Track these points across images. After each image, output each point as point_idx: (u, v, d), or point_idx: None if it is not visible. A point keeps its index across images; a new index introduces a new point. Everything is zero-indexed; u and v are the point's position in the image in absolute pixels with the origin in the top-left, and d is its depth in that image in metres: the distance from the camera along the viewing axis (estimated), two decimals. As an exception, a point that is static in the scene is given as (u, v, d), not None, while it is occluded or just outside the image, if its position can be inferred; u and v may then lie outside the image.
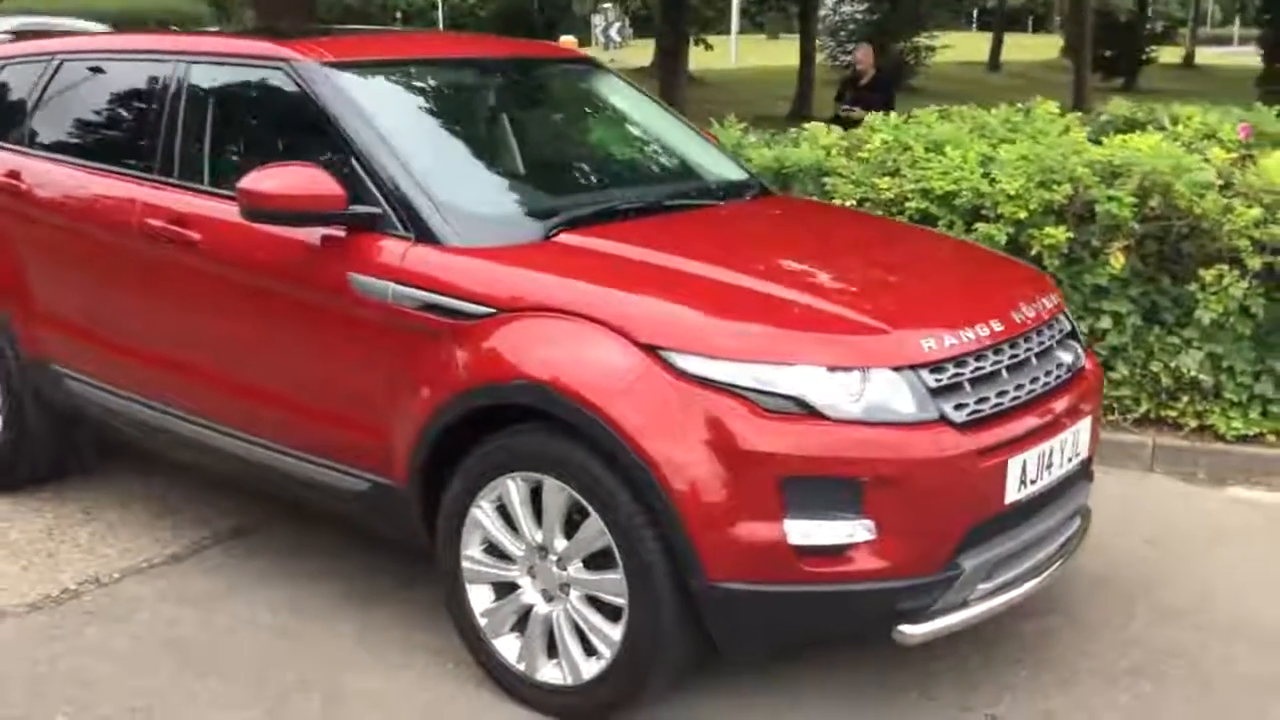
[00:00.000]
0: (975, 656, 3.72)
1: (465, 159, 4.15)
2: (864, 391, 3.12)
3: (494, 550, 3.49)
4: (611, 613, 3.29)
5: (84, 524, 4.74)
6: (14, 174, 4.68)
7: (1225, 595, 4.18)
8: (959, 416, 3.19)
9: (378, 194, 3.70)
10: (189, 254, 4.05)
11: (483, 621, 3.53)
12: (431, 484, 3.57)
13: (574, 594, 3.35)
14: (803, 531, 3.07)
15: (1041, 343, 3.59)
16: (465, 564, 3.53)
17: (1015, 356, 3.45)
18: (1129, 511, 4.88)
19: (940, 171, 5.94)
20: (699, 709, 3.47)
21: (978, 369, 3.31)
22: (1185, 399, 5.61)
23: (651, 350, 3.17)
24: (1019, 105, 7.43)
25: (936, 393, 3.19)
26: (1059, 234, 5.61)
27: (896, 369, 3.16)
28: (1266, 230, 5.36)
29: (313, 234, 3.75)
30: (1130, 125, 7.02)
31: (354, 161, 3.76)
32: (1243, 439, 5.49)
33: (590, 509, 3.23)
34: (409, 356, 3.55)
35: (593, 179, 4.42)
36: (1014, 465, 3.29)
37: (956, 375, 3.25)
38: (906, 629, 3.19)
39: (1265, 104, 7.90)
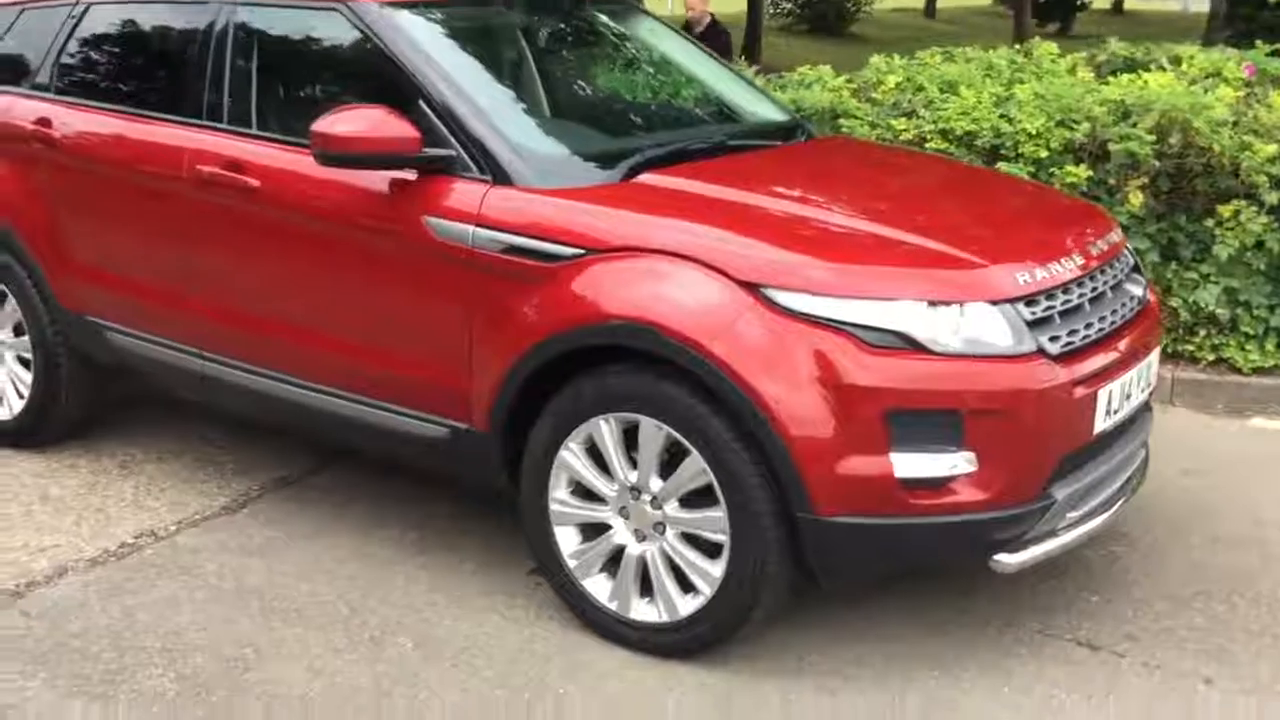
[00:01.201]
0: (1047, 585, 3.80)
1: (533, 99, 4.13)
2: (964, 325, 3.16)
3: (583, 492, 3.50)
4: (710, 550, 3.32)
5: (124, 478, 4.67)
6: (44, 121, 4.56)
7: (1271, 520, 4.29)
8: (1054, 348, 3.24)
9: (450, 136, 3.65)
10: (247, 201, 3.98)
11: (572, 563, 3.54)
12: (515, 428, 3.56)
13: (670, 533, 3.37)
14: (908, 464, 3.11)
15: (1115, 276, 3.65)
16: (553, 506, 3.53)
17: (1095, 290, 3.51)
18: (1160, 444, 4.95)
19: (959, 111, 5.98)
20: (790, 640, 3.51)
21: (1066, 302, 3.36)
22: (1203, 333, 5.73)
23: (752, 288, 3.18)
24: (1017, 47, 7.49)
25: (1032, 325, 3.23)
26: (1080, 172, 5.68)
27: (994, 303, 3.20)
28: (1282, 166, 5.46)
29: (381, 178, 3.70)
30: (1130, 65, 7.09)
31: (423, 104, 3.70)
32: (1259, 371, 5.62)
33: (691, 447, 3.24)
34: (492, 300, 3.53)
35: (657, 120, 4.40)
36: (1102, 396, 3.35)
37: (1049, 308, 3.30)
38: (1003, 558, 3.26)
39: (1232, 47, 8.05)
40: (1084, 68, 6.77)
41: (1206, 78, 6.53)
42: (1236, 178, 5.55)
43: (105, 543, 4.13)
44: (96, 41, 4.60)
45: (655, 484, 3.36)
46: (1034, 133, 5.77)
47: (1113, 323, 3.51)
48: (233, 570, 3.94)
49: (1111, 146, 5.72)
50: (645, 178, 3.66)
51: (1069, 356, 3.28)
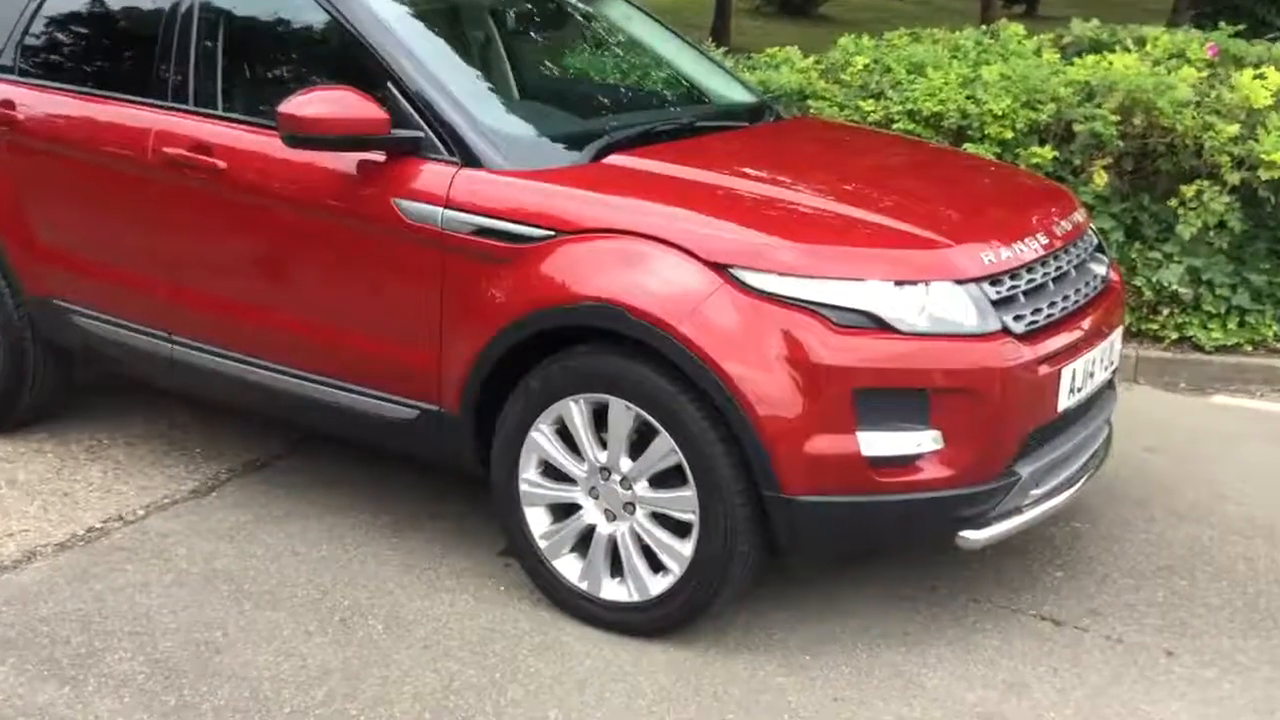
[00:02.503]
0: (1012, 561, 3.85)
1: (501, 81, 4.13)
2: (930, 304, 3.19)
3: (553, 472, 3.52)
4: (680, 529, 3.34)
5: (91, 462, 4.65)
6: (6, 104, 4.51)
7: (1232, 496, 4.36)
8: (1018, 327, 3.28)
9: (418, 118, 3.65)
10: (214, 183, 3.96)
11: (543, 544, 3.55)
12: (485, 409, 3.57)
13: (640, 512, 3.39)
14: (874, 442, 3.14)
15: (1078, 255, 3.69)
16: (523, 487, 3.54)
17: (1059, 269, 3.54)
18: (1123, 421, 5.01)
19: (926, 93, 6.01)
20: (758, 617, 3.55)
21: (1030, 281, 3.40)
22: (1166, 312, 5.80)
23: (721, 269, 3.20)
24: (984, 28, 7.53)
25: (997, 304, 3.26)
26: (1045, 153, 5.73)
27: (959, 282, 3.23)
28: (1244, 145, 5.52)
29: (350, 160, 3.69)
30: (1096, 46, 7.14)
31: (391, 85, 3.70)
32: (1221, 349, 5.70)
33: (660, 428, 3.26)
34: (462, 282, 3.53)
35: (623, 101, 4.41)
36: (1066, 374, 3.39)
37: (1013, 287, 3.33)
38: (969, 534, 3.30)
39: (1196, 27, 8.11)
40: (1049, 49, 6.80)
41: (1170, 58, 6.59)
42: (1199, 157, 5.61)
43: (73, 527, 4.11)
44: (61, 22, 4.55)
45: (625, 464, 3.38)
46: (1000, 114, 5.81)
47: (1076, 302, 3.56)
48: (202, 554, 3.94)
49: (1076, 127, 5.78)
50: (613, 159, 3.66)
51: (1033, 335, 3.32)
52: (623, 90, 4.51)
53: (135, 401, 5.09)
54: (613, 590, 3.47)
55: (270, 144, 3.83)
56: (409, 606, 3.63)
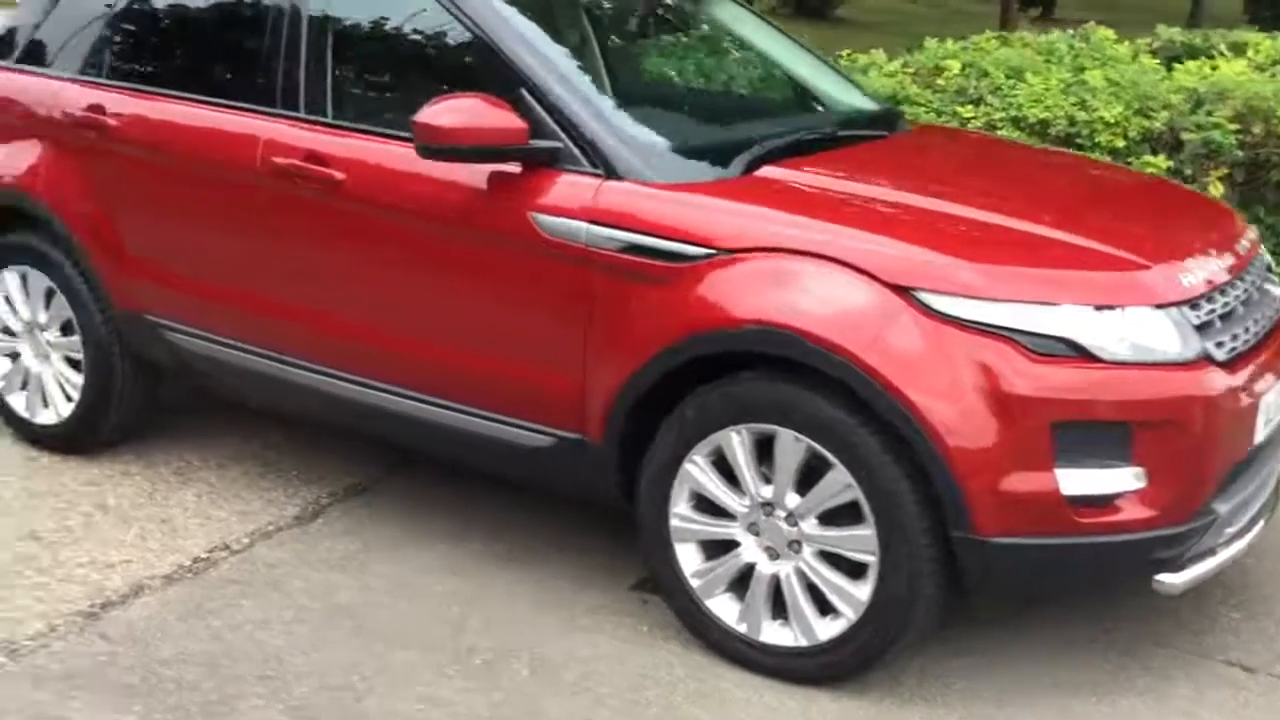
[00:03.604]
0: (1185, 602, 3.61)
1: (639, 87, 3.90)
2: (1130, 331, 2.96)
3: (707, 506, 3.29)
4: (852, 570, 3.12)
5: (183, 486, 4.42)
6: (97, 108, 4.29)
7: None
8: (1220, 354, 3.06)
9: (555, 127, 3.43)
10: (330, 195, 3.74)
11: (695, 583, 3.33)
12: (631, 438, 3.35)
13: (807, 551, 3.17)
14: (1074, 480, 2.92)
15: (1259, 278, 3.47)
16: (674, 522, 3.32)
17: (1247, 292, 3.32)
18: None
19: (1031, 98, 5.78)
20: (934, 664, 3.31)
21: (1225, 305, 3.18)
22: (1284, 329, 5.56)
23: (903, 291, 2.98)
24: (1072, 32, 7.31)
25: (1198, 329, 3.04)
26: (1160, 162, 5.49)
27: (1160, 306, 3.01)
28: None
29: (481, 171, 3.47)
30: (1191, 51, 6.92)
31: (525, 93, 3.47)
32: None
33: (835, 461, 3.04)
34: (608, 302, 3.31)
35: (758, 109, 4.18)
36: (1263, 404, 3.17)
37: (1211, 311, 3.11)
38: (1168, 578, 3.07)
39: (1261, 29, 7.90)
40: (1146, 55, 6.59)
41: (1274, 64, 6.37)
42: (1321, 168, 5.38)
43: (177, 557, 3.89)
44: (154, 22, 4.34)
45: (792, 500, 3.15)
46: (1111, 121, 5.58)
47: (1264, 327, 3.33)
48: (319, 587, 3.71)
49: (1185, 136, 5.55)
50: (766, 171, 3.45)
51: (1233, 363, 3.09)
52: (754, 97, 4.28)
53: (220, 420, 4.87)
54: (774, 634, 3.24)
55: (393, 154, 3.64)
56: (551, 647, 3.41)
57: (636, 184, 3.33)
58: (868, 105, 4.39)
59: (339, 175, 3.72)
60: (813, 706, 3.15)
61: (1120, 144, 5.57)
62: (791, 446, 3.10)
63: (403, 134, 3.59)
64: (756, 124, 3.99)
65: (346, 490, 4.39)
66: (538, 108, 3.45)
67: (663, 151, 3.44)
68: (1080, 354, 2.93)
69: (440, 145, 3.36)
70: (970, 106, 5.97)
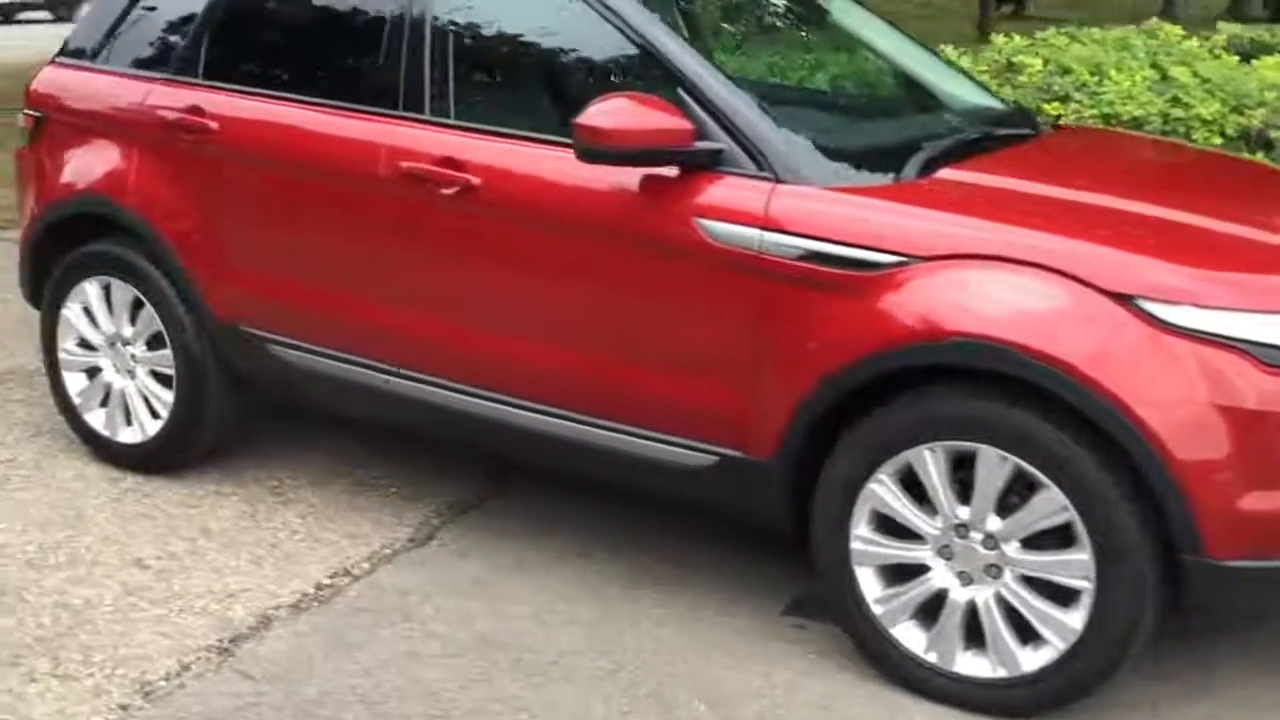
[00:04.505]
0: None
1: (795, 85, 3.70)
2: None
3: (892, 529, 3.11)
4: (1059, 596, 2.94)
5: (283, 506, 4.19)
6: (195, 110, 4.05)
7: None
8: None
9: (716, 127, 3.24)
10: (464, 201, 3.53)
11: (878, 609, 3.14)
12: (807, 457, 3.16)
13: (1009, 576, 2.99)
14: (1312, 498, 2.75)
15: None
16: (855, 545, 3.13)
17: None
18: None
19: (1122, 96, 5.63)
20: (1142, 690, 3.13)
21: None
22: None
23: (1124, 300, 2.80)
24: (1135, 28, 7.18)
25: None
26: (1259, 160, 5.35)
27: None
28: None
29: (635, 175, 3.28)
30: (1261, 49, 6.80)
31: (682, 92, 3.28)
32: None
33: (1048, 481, 2.86)
34: (784, 313, 3.13)
35: (905, 110, 3.99)
36: None
37: None
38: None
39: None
40: (1223, 51, 6.46)
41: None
42: None
43: (298, 584, 3.67)
44: (255, 19, 4.11)
45: (993, 522, 2.97)
46: (1208, 118, 5.44)
47: None
48: (457, 615, 3.51)
49: (1274, 134, 5.42)
50: (945, 174, 3.27)
51: None
52: (891, 97, 4.09)
53: (302, 436, 4.64)
54: (970, 664, 3.06)
55: (534, 157, 3.45)
56: (721, 679, 3.21)
57: (811, 188, 3.14)
58: (997, 105, 4.22)
59: (475, 180, 3.51)
60: (1017, 739, 2.98)
61: (1217, 141, 5.42)
62: (995, 466, 2.92)
63: (545, 136, 3.41)
64: (907, 125, 3.82)
65: (451, 509, 4.18)
66: (697, 108, 3.26)
67: (831, 153, 3.25)
68: (1312, 366, 2.76)
69: (606, 148, 3.16)
70: (1057, 104, 5.81)
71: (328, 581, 3.69)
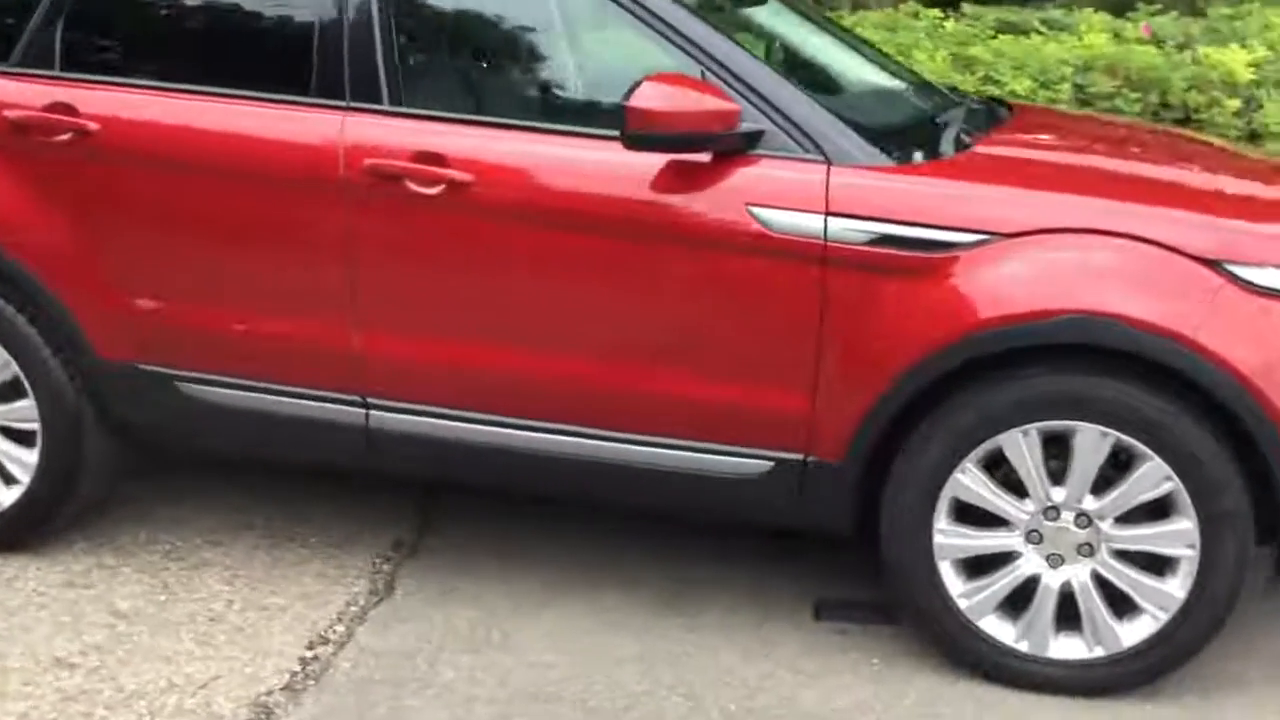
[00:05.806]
0: None
1: (806, 64, 3.49)
2: None
3: (974, 518, 3.00)
4: (1154, 567, 2.93)
5: (193, 572, 3.55)
6: (61, 108, 3.34)
7: None
8: None
9: (755, 109, 3.00)
10: (452, 201, 3.10)
11: (963, 603, 3.02)
12: (880, 453, 3.00)
13: (1105, 553, 2.94)
14: None
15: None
16: (938, 539, 3.00)
17: None
18: None
19: (934, 75, 5.77)
20: (1241, 663, 3.15)
21: None
22: None
23: (1214, 265, 2.82)
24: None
25: None
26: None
27: None
28: None
29: (659, 162, 2.99)
30: (1010, 28, 7.17)
31: (712, 74, 3.03)
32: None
33: (1152, 454, 2.83)
34: (849, 303, 2.94)
35: (911, 93, 3.81)
36: None
37: None
38: None
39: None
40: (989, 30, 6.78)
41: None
42: None
43: (277, 661, 3.13)
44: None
45: (1090, 501, 2.92)
46: (1021, 95, 5.65)
47: None
48: (484, 672, 3.09)
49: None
50: (985, 149, 3.19)
51: None
52: (892, 82, 3.85)
53: (169, 486, 3.98)
54: (1064, 646, 3.00)
55: (537, 149, 3.09)
56: (799, 698, 3.00)
57: (866, 169, 2.97)
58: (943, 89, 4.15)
59: (465, 177, 3.08)
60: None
61: None
62: (1095, 442, 2.86)
63: (552, 126, 3.07)
64: (899, 104, 3.66)
65: (397, 550, 3.71)
66: (729, 86, 3.01)
67: (874, 132, 3.08)
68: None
69: (658, 133, 2.85)
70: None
71: (309, 654, 3.16)
